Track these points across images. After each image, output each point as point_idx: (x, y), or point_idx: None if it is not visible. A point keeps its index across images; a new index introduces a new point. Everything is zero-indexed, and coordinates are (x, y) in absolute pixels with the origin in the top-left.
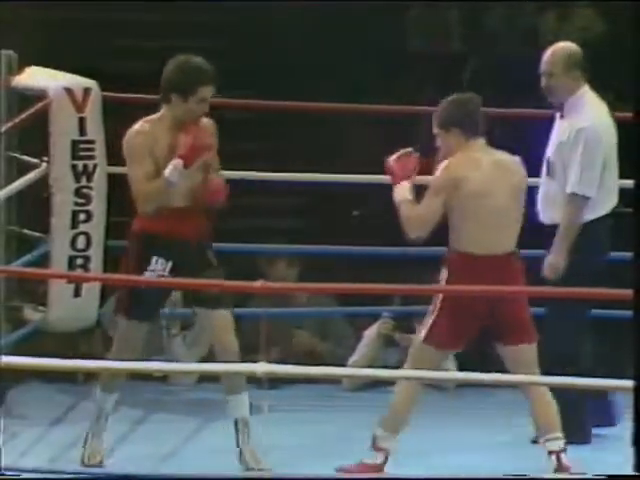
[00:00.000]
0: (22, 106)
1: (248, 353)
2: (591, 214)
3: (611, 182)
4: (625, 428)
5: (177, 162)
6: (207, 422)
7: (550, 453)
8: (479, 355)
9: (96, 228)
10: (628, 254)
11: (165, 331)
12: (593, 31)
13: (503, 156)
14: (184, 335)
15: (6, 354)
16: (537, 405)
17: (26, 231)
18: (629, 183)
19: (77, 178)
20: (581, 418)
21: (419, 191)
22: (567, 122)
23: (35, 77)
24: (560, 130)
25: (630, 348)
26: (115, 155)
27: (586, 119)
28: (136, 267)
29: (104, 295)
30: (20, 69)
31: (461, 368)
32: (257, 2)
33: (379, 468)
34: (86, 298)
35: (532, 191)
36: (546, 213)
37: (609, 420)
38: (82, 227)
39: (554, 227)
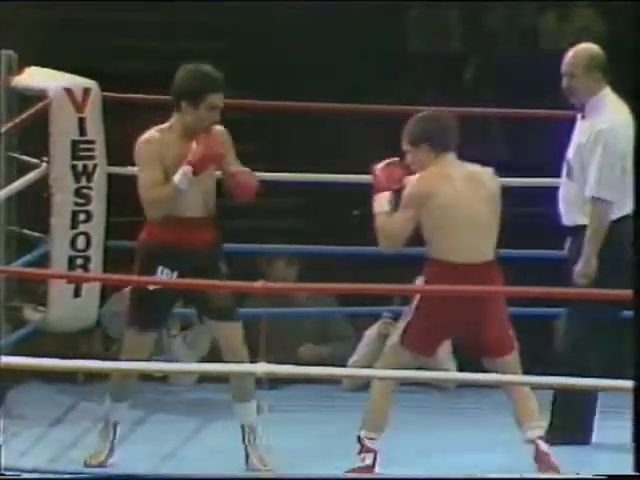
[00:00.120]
0: (22, 106)
1: (248, 353)
2: (612, 215)
3: (630, 183)
4: (625, 428)
5: (186, 169)
6: (207, 422)
7: (529, 441)
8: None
9: (96, 228)
10: None
11: (165, 331)
12: (593, 31)
13: (475, 168)
14: (184, 335)
15: (6, 354)
16: (518, 398)
17: (26, 231)
18: None
19: (77, 178)
20: (584, 419)
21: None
22: (588, 123)
23: (35, 77)
24: (580, 131)
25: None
26: (115, 155)
27: (606, 121)
28: (141, 276)
29: (104, 295)
30: (20, 69)
31: (461, 368)
32: (257, 2)
33: (370, 469)
34: (86, 298)
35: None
36: (567, 215)
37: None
38: (82, 227)
39: (574, 228)
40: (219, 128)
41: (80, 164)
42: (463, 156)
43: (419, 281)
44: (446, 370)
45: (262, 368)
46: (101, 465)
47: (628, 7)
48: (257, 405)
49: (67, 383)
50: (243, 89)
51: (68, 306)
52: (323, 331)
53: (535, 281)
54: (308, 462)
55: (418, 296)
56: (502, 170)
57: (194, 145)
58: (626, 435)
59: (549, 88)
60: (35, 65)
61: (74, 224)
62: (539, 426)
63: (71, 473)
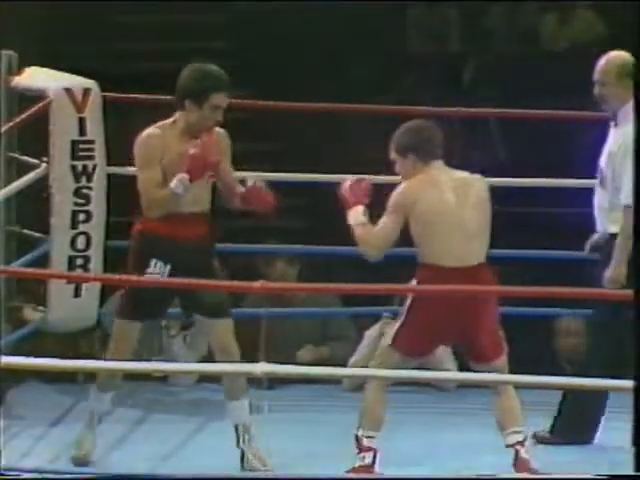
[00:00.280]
0: (22, 106)
1: (248, 353)
2: None
3: None
4: (625, 429)
5: (183, 177)
6: (207, 422)
7: (510, 446)
8: None
9: (96, 228)
10: None
11: (165, 331)
12: (593, 32)
13: (462, 174)
14: (184, 335)
15: (6, 354)
16: (503, 401)
17: (26, 231)
18: None
19: (77, 178)
20: (589, 419)
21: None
22: (620, 131)
23: (35, 77)
24: (613, 139)
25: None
26: (115, 155)
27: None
28: (135, 268)
29: (104, 295)
30: (20, 69)
31: (461, 368)
32: (257, 2)
33: (370, 468)
34: (86, 298)
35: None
36: (600, 222)
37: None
38: (82, 227)
39: (605, 235)
40: (220, 130)
41: (80, 164)
42: (463, 157)
43: (412, 284)
44: (446, 370)
45: (262, 368)
46: (87, 455)
47: (628, 8)
48: (254, 405)
49: (67, 383)
50: (243, 89)
51: (68, 306)
52: (323, 331)
53: (537, 281)
54: (308, 462)
55: (410, 298)
56: (502, 170)
57: (190, 150)
58: (626, 435)
59: (549, 88)
60: (35, 65)
61: (74, 224)
62: (520, 431)
63: (71, 473)
